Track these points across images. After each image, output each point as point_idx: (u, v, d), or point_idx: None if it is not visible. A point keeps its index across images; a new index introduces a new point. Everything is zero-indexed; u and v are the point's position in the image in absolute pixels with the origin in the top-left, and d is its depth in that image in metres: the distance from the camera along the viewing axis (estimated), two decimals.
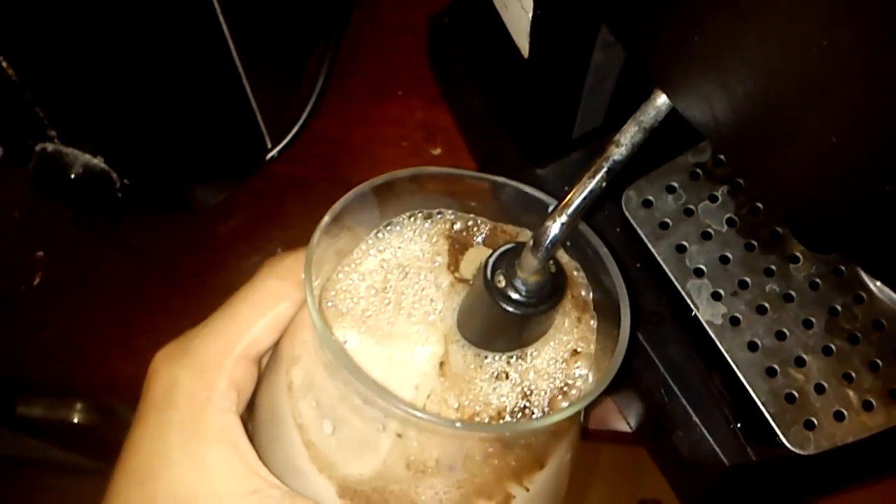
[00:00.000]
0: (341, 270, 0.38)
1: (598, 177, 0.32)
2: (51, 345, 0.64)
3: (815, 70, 0.23)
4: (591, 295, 0.38)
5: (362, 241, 0.38)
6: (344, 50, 0.72)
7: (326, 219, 0.35)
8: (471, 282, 0.38)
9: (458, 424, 0.32)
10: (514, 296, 0.33)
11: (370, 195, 0.37)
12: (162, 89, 0.53)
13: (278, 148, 0.66)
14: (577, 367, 0.37)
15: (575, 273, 0.38)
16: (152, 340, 0.63)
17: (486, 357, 0.36)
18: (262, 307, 0.37)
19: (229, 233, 0.66)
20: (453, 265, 0.39)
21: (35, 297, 0.65)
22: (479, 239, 0.40)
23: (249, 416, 0.38)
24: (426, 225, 0.39)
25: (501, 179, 0.38)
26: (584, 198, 0.32)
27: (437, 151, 0.68)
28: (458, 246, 0.39)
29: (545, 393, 0.36)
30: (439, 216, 0.39)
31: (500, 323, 0.35)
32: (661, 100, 0.31)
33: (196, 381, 0.35)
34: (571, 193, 0.32)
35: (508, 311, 0.33)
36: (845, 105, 0.23)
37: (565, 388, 0.36)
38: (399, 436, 0.34)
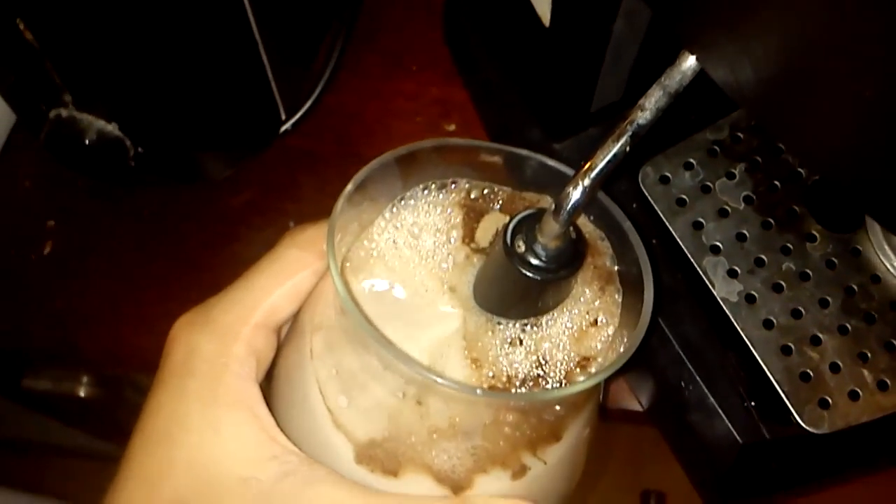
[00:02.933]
0: (360, 246, 0.37)
1: (621, 141, 0.31)
2: (60, 315, 0.64)
3: (853, 19, 0.23)
4: (616, 266, 0.38)
5: (379, 217, 0.38)
6: (359, 24, 0.71)
7: (350, 187, 0.35)
8: (488, 249, 0.38)
9: (478, 391, 0.32)
10: (534, 261, 0.33)
11: (393, 165, 0.37)
12: (179, 56, 0.53)
13: (292, 121, 0.66)
14: (598, 340, 0.37)
15: (600, 242, 0.38)
16: (162, 311, 0.63)
17: (499, 323, 0.36)
18: (283, 276, 0.37)
19: (241, 205, 0.66)
20: (468, 236, 0.38)
21: (45, 266, 0.65)
22: (497, 206, 0.39)
23: (268, 384, 0.38)
24: (440, 196, 0.39)
25: (525, 152, 0.38)
26: (608, 162, 0.31)
27: (452, 127, 0.68)
28: (473, 214, 0.39)
29: (560, 364, 0.36)
30: (454, 186, 0.39)
31: (518, 288, 0.34)
32: (688, 63, 0.31)
33: (215, 347, 0.35)
34: (594, 157, 0.32)
35: (527, 277, 0.33)
36: (883, 56, 0.23)
37: (583, 362, 0.36)
38: (419, 403, 0.34)
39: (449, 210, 0.39)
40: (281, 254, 0.38)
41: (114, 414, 0.96)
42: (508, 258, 0.33)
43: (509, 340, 0.36)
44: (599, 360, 0.36)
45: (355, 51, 0.70)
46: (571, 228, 0.33)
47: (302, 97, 0.66)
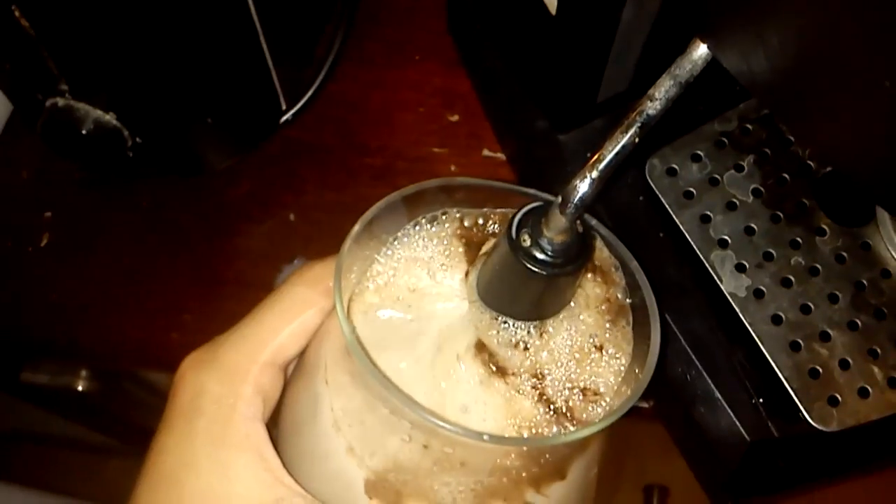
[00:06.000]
0: (365, 282, 0.37)
1: (630, 132, 0.30)
2: (57, 308, 0.63)
3: (876, 5, 0.22)
4: (628, 300, 0.37)
5: (374, 261, 0.37)
6: (361, 12, 0.70)
7: (357, 227, 0.35)
8: (494, 243, 0.37)
9: (485, 437, 0.31)
10: (539, 255, 0.32)
11: (400, 204, 0.36)
12: (178, 44, 0.52)
13: (293, 111, 0.65)
14: (608, 371, 0.36)
15: (614, 271, 0.37)
16: (161, 305, 0.63)
17: (504, 322, 0.35)
18: (290, 315, 0.37)
19: (241, 197, 0.65)
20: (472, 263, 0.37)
21: (42, 258, 0.64)
22: (494, 228, 0.38)
23: (273, 422, 0.38)
24: (433, 229, 0.38)
25: (533, 191, 0.37)
26: (616, 154, 0.31)
27: (455, 118, 0.67)
28: (472, 244, 0.38)
29: (563, 385, 0.35)
30: (444, 217, 0.38)
31: (521, 284, 0.33)
32: (699, 52, 0.30)
33: (223, 387, 0.35)
34: (602, 149, 0.31)
35: (532, 271, 0.32)
36: None
37: (591, 396, 0.35)
38: (426, 447, 0.33)
39: (445, 242, 0.38)
40: (288, 291, 0.38)
41: (112, 407, 0.95)
42: (513, 252, 0.32)
43: (513, 342, 0.35)
44: (608, 399, 0.35)
45: (357, 40, 0.69)
46: (578, 222, 0.32)
47: (303, 87, 0.65)
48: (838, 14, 0.23)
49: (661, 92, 0.31)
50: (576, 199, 0.31)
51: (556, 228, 0.32)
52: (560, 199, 0.31)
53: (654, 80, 0.30)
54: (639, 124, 0.30)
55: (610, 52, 0.46)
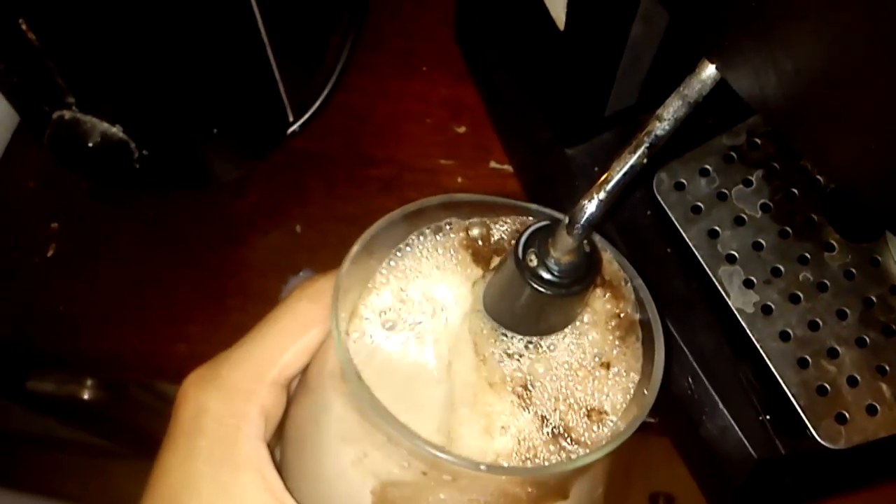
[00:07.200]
0: (364, 305, 0.36)
1: (638, 152, 0.30)
2: (64, 318, 0.63)
3: (883, 35, 0.22)
4: (638, 315, 0.36)
5: (377, 273, 0.37)
6: (369, 22, 0.70)
7: (356, 248, 0.34)
8: (501, 260, 0.37)
9: (482, 467, 0.31)
10: (546, 275, 0.32)
11: (400, 222, 0.36)
12: (184, 56, 0.52)
13: (300, 122, 0.65)
14: (615, 390, 0.35)
15: (624, 286, 0.37)
16: (168, 317, 0.62)
17: (506, 336, 0.35)
18: (293, 331, 0.37)
19: (247, 208, 0.65)
20: (476, 274, 0.37)
21: (49, 269, 0.64)
22: (503, 235, 0.38)
23: (276, 439, 0.38)
24: (439, 238, 0.38)
25: (536, 207, 0.37)
26: (624, 174, 0.30)
27: (462, 129, 0.67)
28: (479, 254, 0.38)
29: (562, 401, 0.35)
30: (449, 227, 0.38)
31: (527, 302, 0.33)
32: (708, 72, 0.30)
33: (225, 407, 0.35)
34: (610, 169, 0.31)
35: (538, 291, 0.32)
36: None
37: (595, 415, 0.35)
38: (424, 473, 0.33)
39: (452, 252, 0.38)
40: (291, 308, 0.37)
41: (118, 414, 0.95)
42: (519, 272, 0.32)
43: (517, 358, 0.35)
44: (615, 419, 0.35)
45: (364, 49, 0.69)
46: (586, 242, 0.32)
47: (310, 98, 0.65)
48: (856, 37, 0.23)
49: (670, 112, 0.30)
50: (583, 220, 0.31)
51: (563, 249, 0.32)
52: (567, 219, 0.31)
53: (664, 93, 0.30)
54: (647, 145, 0.30)
55: (618, 67, 0.46)
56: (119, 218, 0.66)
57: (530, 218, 0.38)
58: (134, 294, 0.63)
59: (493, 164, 0.65)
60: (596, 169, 0.30)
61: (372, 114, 0.68)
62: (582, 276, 0.32)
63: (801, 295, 0.48)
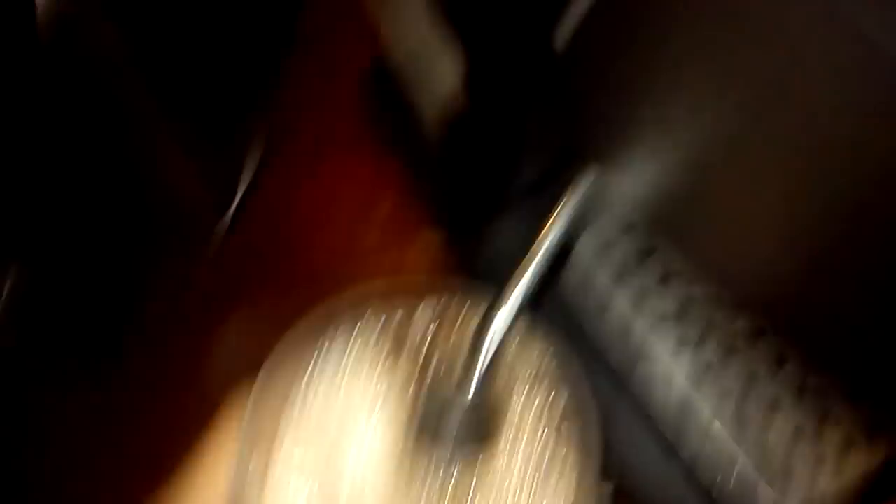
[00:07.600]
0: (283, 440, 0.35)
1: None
2: None
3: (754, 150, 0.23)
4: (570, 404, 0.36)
5: (298, 385, 0.36)
6: (284, 107, 0.69)
7: (256, 387, 0.34)
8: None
9: None
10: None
11: (309, 333, 0.36)
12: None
13: (225, 218, 0.63)
14: (550, 488, 0.35)
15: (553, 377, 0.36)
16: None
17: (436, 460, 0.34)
18: None
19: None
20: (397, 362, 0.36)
21: None
22: (428, 323, 0.37)
23: None
24: (355, 331, 0.37)
25: (452, 283, 0.37)
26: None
27: (388, 205, 0.65)
28: (400, 340, 0.37)
29: None
30: (366, 315, 0.37)
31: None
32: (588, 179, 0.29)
33: None
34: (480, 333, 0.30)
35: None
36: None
37: None
38: None
39: (371, 340, 0.37)
40: None
41: None
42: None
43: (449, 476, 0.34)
44: None
45: (281, 135, 0.68)
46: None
47: (229, 196, 0.64)
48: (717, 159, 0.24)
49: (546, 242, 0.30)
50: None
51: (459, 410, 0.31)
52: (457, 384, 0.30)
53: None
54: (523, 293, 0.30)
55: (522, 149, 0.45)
56: None
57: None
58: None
59: (423, 237, 0.64)
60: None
61: (297, 200, 0.67)
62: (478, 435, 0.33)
63: None
